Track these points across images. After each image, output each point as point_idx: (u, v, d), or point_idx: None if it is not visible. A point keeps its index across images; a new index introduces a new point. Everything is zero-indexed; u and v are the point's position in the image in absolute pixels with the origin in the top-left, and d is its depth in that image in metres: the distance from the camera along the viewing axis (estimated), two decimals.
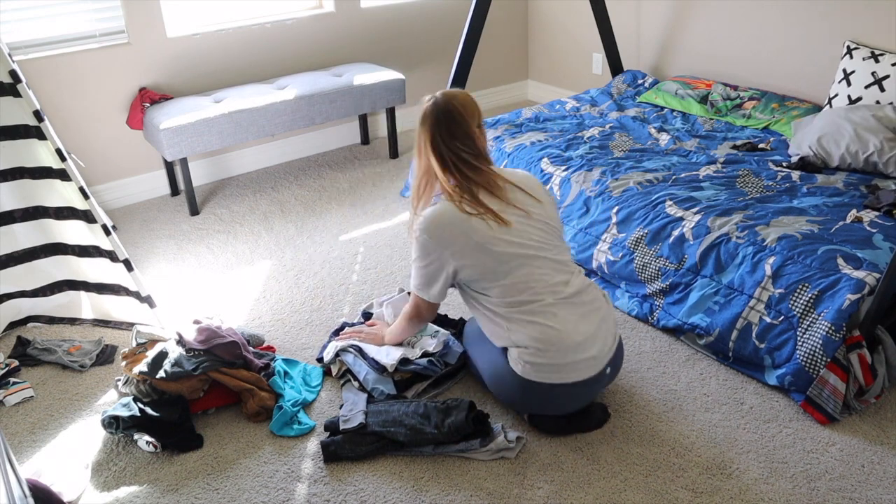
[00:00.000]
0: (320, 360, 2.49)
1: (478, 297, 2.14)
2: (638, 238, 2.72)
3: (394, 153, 4.26)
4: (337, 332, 2.57)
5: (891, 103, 3.13)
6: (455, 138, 2.07)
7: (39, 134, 2.41)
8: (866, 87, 3.22)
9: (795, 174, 2.97)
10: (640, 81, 4.20)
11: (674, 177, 2.99)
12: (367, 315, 2.64)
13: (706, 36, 4.06)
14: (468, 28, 3.59)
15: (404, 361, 2.31)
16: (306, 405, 2.31)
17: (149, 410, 2.17)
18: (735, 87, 3.83)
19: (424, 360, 2.33)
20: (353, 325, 2.60)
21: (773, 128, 3.50)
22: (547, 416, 2.17)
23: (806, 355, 2.22)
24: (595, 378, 2.09)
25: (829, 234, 2.49)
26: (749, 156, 3.19)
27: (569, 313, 2.05)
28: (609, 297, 2.29)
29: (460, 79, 3.69)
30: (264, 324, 2.75)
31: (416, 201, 2.19)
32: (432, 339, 2.44)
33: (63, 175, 2.46)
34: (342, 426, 2.13)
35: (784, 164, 3.08)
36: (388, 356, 2.32)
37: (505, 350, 2.13)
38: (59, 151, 2.42)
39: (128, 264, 2.57)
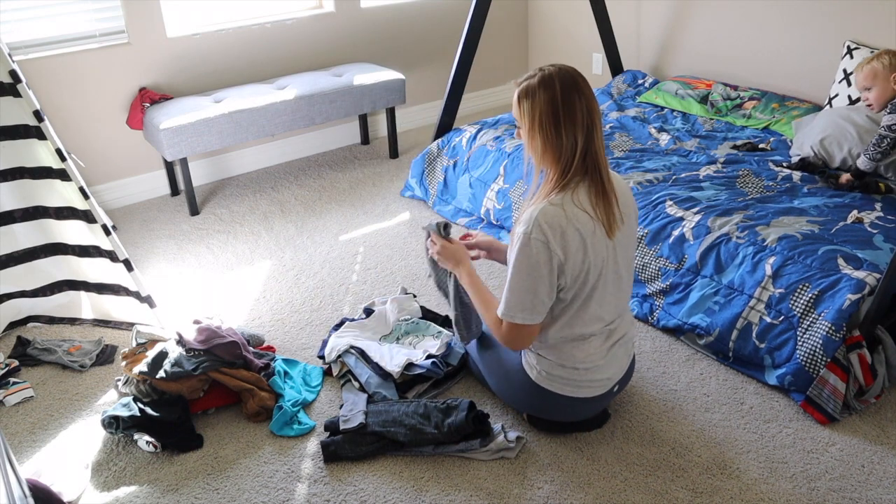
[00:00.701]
0: (321, 357, 2.49)
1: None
2: (638, 238, 2.72)
3: (394, 153, 4.26)
4: (337, 327, 2.58)
5: None
6: (597, 114, 1.80)
7: (39, 134, 2.41)
8: None
9: (796, 174, 2.97)
10: (640, 81, 4.20)
11: (674, 177, 2.99)
12: (368, 311, 2.64)
13: (706, 36, 4.06)
14: (468, 28, 3.59)
15: (409, 366, 2.31)
16: (306, 405, 2.31)
17: (149, 410, 2.17)
18: (735, 87, 3.83)
19: (428, 362, 2.32)
20: (353, 320, 2.60)
21: (773, 128, 3.50)
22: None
23: (806, 355, 2.22)
24: (605, 394, 2.09)
25: (830, 234, 2.49)
26: (749, 156, 3.19)
27: (604, 342, 2.01)
28: (633, 319, 2.20)
29: (460, 79, 3.69)
30: (264, 324, 2.75)
31: (546, 194, 1.85)
32: (434, 340, 2.45)
33: (63, 175, 2.46)
34: (342, 426, 2.13)
35: (784, 164, 3.08)
36: (393, 361, 2.31)
37: (520, 360, 2.10)
38: (59, 151, 2.42)
39: (128, 264, 2.57)
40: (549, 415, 2.14)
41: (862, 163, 2.75)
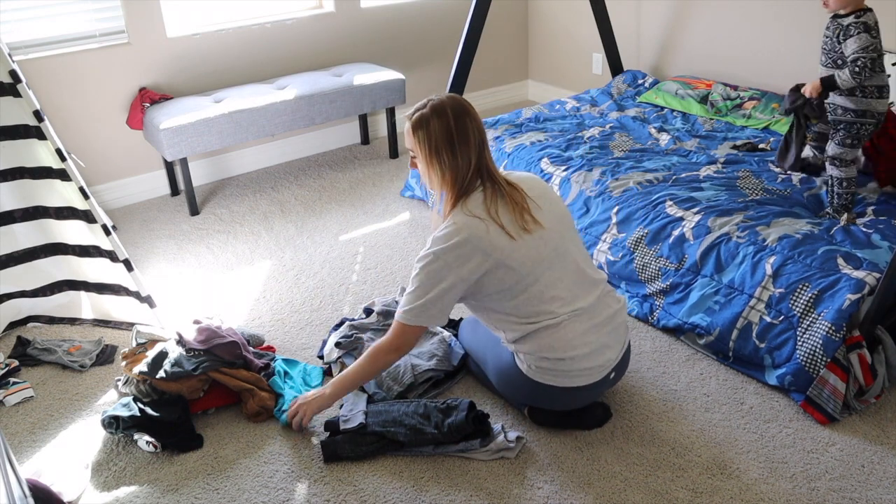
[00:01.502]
0: (321, 357, 2.49)
1: (488, 309, 2.07)
2: (638, 238, 2.72)
3: (394, 153, 4.26)
4: (337, 327, 2.58)
5: (892, 103, 3.13)
6: (469, 148, 1.95)
7: (39, 134, 2.41)
8: None
9: (796, 177, 2.97)
10: (640, 81, 4.20)
11: (674, 177, 2.99)
12: (368, 311, 2.64)
13: (706, 36, 4.06)
14: (468, 28, 3.59)
15: (421, 373, 2.31)
16: None
17: (149, 410, 2.17)
18: (735, 87, 3.83)
19: (434, 361, 2.33)
20: (353, 320, 2.60)
21: (773, 128, 3.50)
22: (547, 410, 2.18)
23: (806, 355, 2.22)
24: (600, 382, 2.09)
25: (829, 234, 2.49)
26: (749, 156, 3.19)
27: (579, 325, 2.02)
28: (626, 302, 2.24)
29: (460, 79, 3.69)
30: (264, 324, 2.75)
31: (449, 208, 2.00)
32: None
33: (63, 175, 2.46)
34: (342, 426, 2.13)
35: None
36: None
37: (512, 354, 2.12)
38: (59, 151, 2.42)
39: (128, 264, 2.57)
40: (551, 406, 2.15)
41: (844, 79, 2.47)
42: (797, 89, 2.69)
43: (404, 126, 2.02)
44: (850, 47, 2.44)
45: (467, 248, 1.92)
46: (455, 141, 1.93)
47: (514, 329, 2.04)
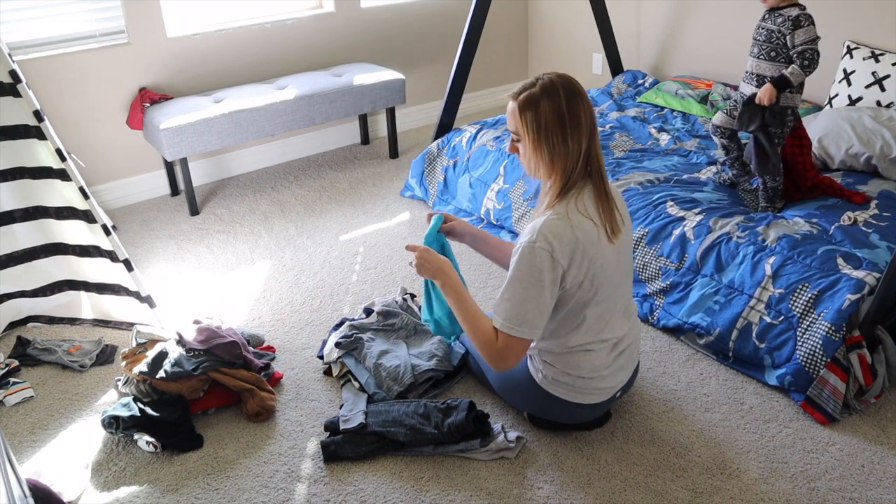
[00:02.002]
0: (321, 356, 2.49)
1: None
2: (638, 237, 2.72)
3: (394, 153, 4.26)
4: (337, 327, 2.58)
5: (891, 103, 3.14)
6: (596, 141, 1.81)
7: (39, 134, 2.41)
8: (867, 86, 3.23)
9: None
10: (640, 81, 4.20)
11: (675, 178, 2.99)
12: (368, 311, 2.64)
13: (706, 36, 4.06)
14: (468, 28, 3.59)
15: (421, 373, 2.30)
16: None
17: (149, 410, 2.17)
18: (735, 87, 3.83)
19: (434, 361, 2.33)
20: (353, 320, 2.60)
21: None
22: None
23: (806, 355, 2.22)
24: (607, 401, 2.09)
25: (828, 234, 2.49)
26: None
27: (609, 354, 2.00)
28: (640, 329, 2.18)
29: (460, 79, 3.69)
30: (264, 324, 2.75)
31: (552, 202, 1.83)
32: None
33: (63, 175, 2.46)
34: (342, 426, 2.13)
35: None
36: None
37: (525, 360, 2.09)
38: (59, 151, 2.42)
39: (128, 264, 2.57)
40: (551, 416, 2.14)
41: (795, 74, 2.50)
42: (751, 102, 2.60)
43: (508, 106, 1.85)
44: (800, 38, 2.47)
45: (578, 249, 1.79)
46: (567, 125, 1.76)
47: (549, 346, 1.98)
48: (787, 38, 2.50)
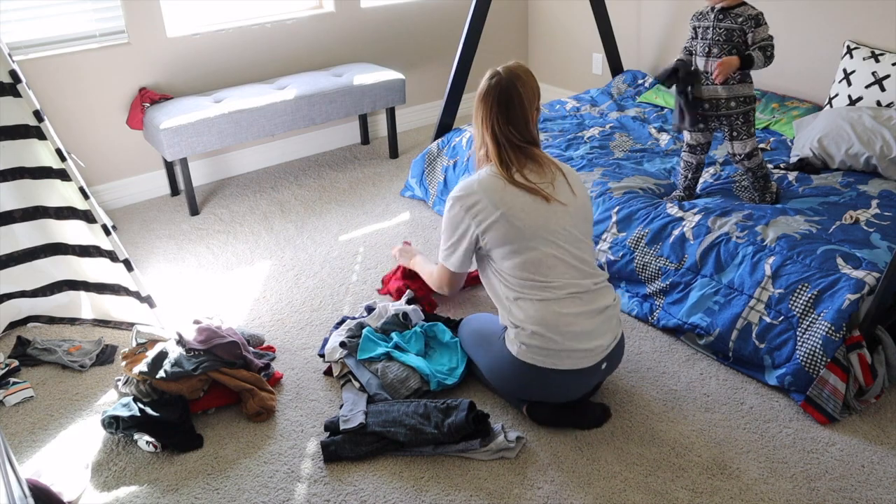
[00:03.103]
0: (322, 355, 2.49)
1: (491, 262, 2.15)
2: (638, 237, 2.72)
3: (394, 153, 4.26)
4: (338, 326, 2.58)
5: (891, 103, 3.14)
6: (510, 123, 2.09)
7: (39, 134, 2.41)
8: (867, 86, 3.22)
9: (791, 175, 2.98)
10: (640, 81, 4.20)
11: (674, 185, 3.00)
12: (369, 309, 2.64)
13: None
14: (468, 28, 3.59)
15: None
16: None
17: (149, 410, 2.17)
18: None
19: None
20: (354, 318, 2.60)
21: (773, 128, 3.50)
22: (544, 407, 2.17)
23: (806, 355, 2.22)
24: (590, 370, 2.09)
25: (828, 234, 2.49)
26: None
27: (573, 306, 2.06)
28: (619, 299, 2.29)
29: (460, 79, 3.69)
30: (264, 324, 2.75)
31: (478, 166, 2.22)
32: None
33: (63, 175, 2.46)
34: (342, 426, 2.13)
35: (782, 165, 3.08)
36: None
37: (502, 338, 2.15)
38: (59, 151, 2.42)
39: (128, 264, 2.57)
40: (543, 396, 2.15)
41: (760, 59, 2.55)
42: (676, 71, 2.67)
43: None
44: (760, 35, 2.56)
45: (481, 199, 2.06)
46: (476, 111, 2.13)
47: (510, 287, 2.10)
48: (749, 35, 2.56)
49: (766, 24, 2.57)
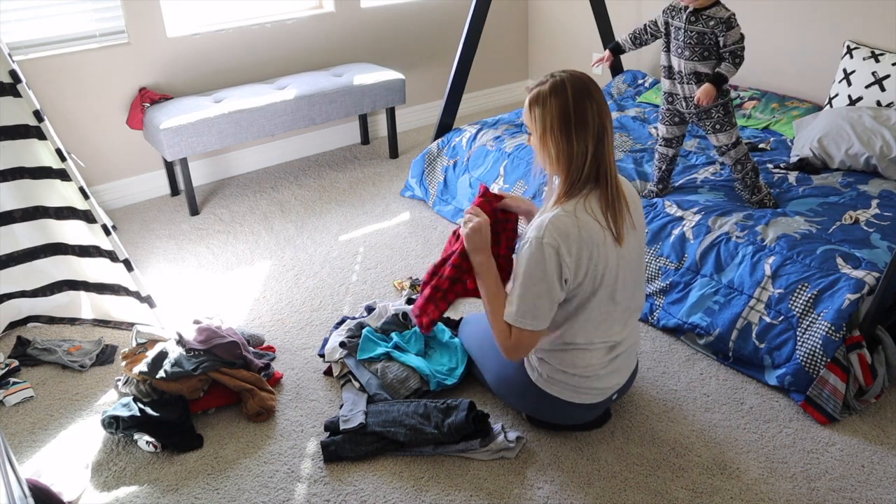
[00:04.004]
0: (322, 355, 2.49)
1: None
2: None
3: (394, 153, 4.26)
4: (338, 326, 2.58)
5: (891, 103, 3.14)
6: (609, 120, 1.80)
7: (39, 134, 2.41)
8: (867, 86, 3.22)
9: (791, 175, 2.98)
10: (640, 81, 4.20)
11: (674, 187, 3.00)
12: (369, 309, 2.64)
13: None
14: (468, 28, 3.59)
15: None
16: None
17: (149, 410, 2.17)
18: (735, 87, 3.83)
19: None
20: (354, 318, 2.60)
21: (773, 128, 3.50)
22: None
23: (806, 355, 2.22)
24: (604, 401, 2.09)
25: (828, 233, 2.49)
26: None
27: (605, 356, 2.00)
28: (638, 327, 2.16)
29: (460, 78, 3.69)
30: (264, 324, 2.75)
31: (559, 200, 1.85)
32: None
33: (63, 175, 2.46)
34: (342, 426, 2.13)
35: (781, 165, 3.08)
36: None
37: None
38: (59, 151, 2.42)
39: (128, 264, 2.57)
40: (546, 416, 2.14)
41: (730, 70, 2.55)
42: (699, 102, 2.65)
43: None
44: (732, 38, 2.54)
45: (584, 248, 1.80)
46: (571, 124, 1.77)
47: (550, 341, 1.97)
48: (721, 38, 2.54)
49: (737, 25, 2.54)
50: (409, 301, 2.68)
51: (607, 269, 1.85)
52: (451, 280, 2.01)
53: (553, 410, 2.08)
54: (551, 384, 2.02)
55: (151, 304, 2.63)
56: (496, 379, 2.19)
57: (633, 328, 2.06)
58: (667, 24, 2.67)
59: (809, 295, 2.26)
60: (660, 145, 2.87)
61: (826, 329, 2.19)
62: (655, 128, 3.60)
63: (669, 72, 2.73)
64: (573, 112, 1.77)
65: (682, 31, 2.59)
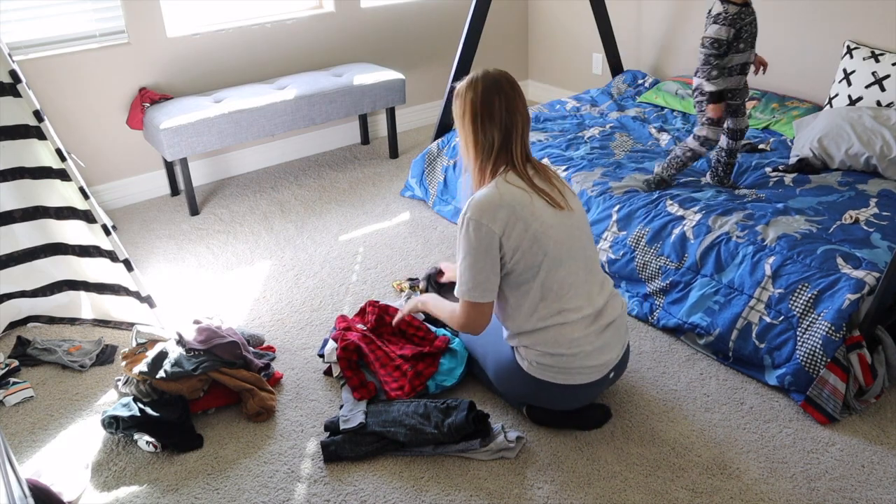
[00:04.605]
0: (321, 355, 2.49)
1: (504, 294, 2.04)
2: (638, 236, 2.72)
3: (394, 153, 4.26)
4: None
5: (891, 103, 3.14)
6: (518, 113, 1.96)
7: (39, 134, 2.41)
8: (867, 86, 3.22)
9: (789, 175, 2.98)
10: (640, 81, 4.20)
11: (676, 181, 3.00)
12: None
13: None
14: (468, 28, 3.59)
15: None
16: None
17: (149, 410, 2.17)
18: None
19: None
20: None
21: (773, 128, 3.50)
22: (545, 409, 2.17)
23: (806, 355, 2.22)
24: (599, 381, 2.09)
25: (828, 233, 2.49)
26: (748, 157, 3.19)
27: (586, 328, 2.02)
28: (626, 305, 2.24)
29: (460, 79, 3.68)
30: (264, 324, 2.75)
31: (479, 183, 2.02)
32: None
33: (63, 175, 2.46)
34: (342, 426, 2.13)
35: (780, 167, 3.07)
36: None
37: (513, 347, 2.12)
38: (59, 151, 2.42)
39: (128, 264, 2.57)
40: (547, 404, 2.14)
41: (707, 86, 2.71)
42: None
43: None
44: (706, 32, 2.69)
45: (511, 214, 1.92)
46: (479, 116, 1.95)
47: (522, 321, 2.02)
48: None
49: (720, 24, 2.65)
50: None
51: (547, 228, 1.95)
52: (387, 353, 2.38)
53: (552, 397, 2.10)
54: (543, 370, 2.04)
55: (151, 304, 2.63)
56: (497, 373, 2.21)
57: (611, 299, 2.10)
58: (740, 29, 2.70)
59: (809, 295, 2.26)
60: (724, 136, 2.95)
61: (826, 329, 2.19)
62: (655, 128, 3.60)
63: None
64: (480, 106, 1.95)
65: (755, 21, 2.72)
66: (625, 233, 2.77)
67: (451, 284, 2.54)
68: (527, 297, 2.00)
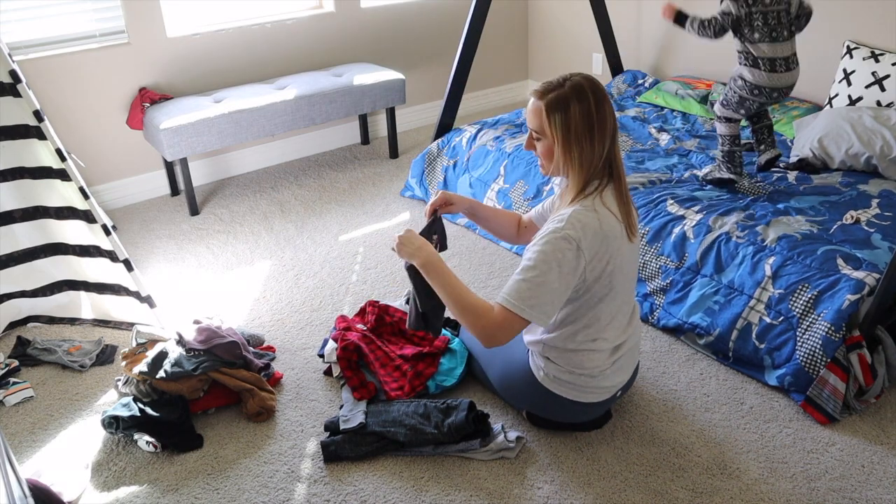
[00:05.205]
0: (321, 355, 2.49)
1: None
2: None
3: (394, 153, 4.26)
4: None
5: (891, 103, 3.14)
6: (604, 131, 1.80)
7: (39, 134, 2.41)
8: (867, 86, 3.23)
9: (791, 175, 2.98)
10: (640, 81, 4.20)
11: (675, 179, 2.99)
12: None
13: None
14: (468, 28, 3.59)
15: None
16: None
17: (149, 410, 2.17)
18: None
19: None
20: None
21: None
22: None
23: (806, 355, 2.22)
24: (608, 399, 2.09)
25: (829, 234, 2.49)
26: (749, 156, 3.19)
27: (612, 356, 2.00)
28: (640, 325, 2.18)
29: (460, 79, 3.69)
30: (264, 324, 2.75)
31: (574, 196, 1.84)
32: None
33: (63, 175, 2.46)
34: (342, 426, 2.13)
35: (781, 165, 3.08)
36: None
37: (527, 353, 2.09)
38: (59, 151, 2.42)
39: (128, 264, 2.57)
40: (550, 415, 2.14)
41: (693, 17, 2.77)
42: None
43: (530, 103, 1.85)
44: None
45: (602, 245, 1.80)
46: (595, 128, 1.78)
47: (556, 338, 1.97)
48: (792, 11, 2.71)
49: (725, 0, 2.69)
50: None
51: (623, 263, 1.87)
52: (387, 354, 2.36)
53: (557, 409, 2.09)
54: (558, 384, 2.02)
55: (151, 304, 2.63)
56: (501, 378, 2.19)
57: (636, 327, 2.08)
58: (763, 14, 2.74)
59: (810, 295, 2.26)
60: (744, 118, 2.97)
61: (826, 329, 2.19)
62: (655, 128, 3.60)
63: None
64: (596, 116, 1.77)
65: (771, 11, 2.74)
66: None
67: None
68: (573, 321, 1.93)
